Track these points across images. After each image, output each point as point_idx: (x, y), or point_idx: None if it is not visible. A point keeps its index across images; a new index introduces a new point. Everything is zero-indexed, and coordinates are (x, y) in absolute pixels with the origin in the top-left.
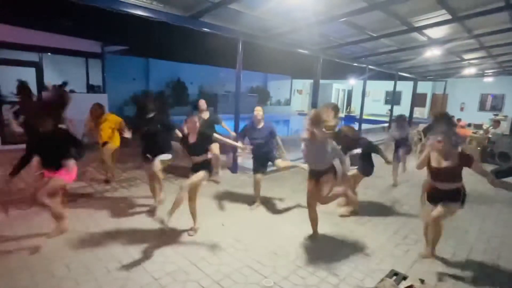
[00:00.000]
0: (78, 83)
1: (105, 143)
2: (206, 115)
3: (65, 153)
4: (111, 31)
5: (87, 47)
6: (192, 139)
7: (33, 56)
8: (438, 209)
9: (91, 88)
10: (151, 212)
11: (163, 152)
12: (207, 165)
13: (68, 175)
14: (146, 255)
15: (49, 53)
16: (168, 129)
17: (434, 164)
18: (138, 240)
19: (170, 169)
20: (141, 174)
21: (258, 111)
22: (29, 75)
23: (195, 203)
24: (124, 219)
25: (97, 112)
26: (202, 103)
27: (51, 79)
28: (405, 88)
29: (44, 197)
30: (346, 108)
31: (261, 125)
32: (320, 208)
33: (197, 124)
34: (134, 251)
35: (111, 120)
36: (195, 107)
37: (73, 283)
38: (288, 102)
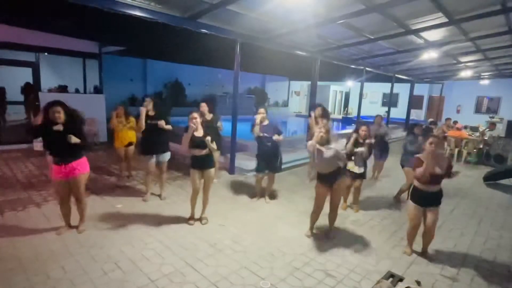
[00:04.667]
0: (75, 83)
1: (130, 144)
2: (209, 117)
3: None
4: (109, 31)
5: (84, 47)
6: (199, 133)
7: (30, 56)
8: (432, 215)
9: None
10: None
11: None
12: (212, 159)
13: (85, 166)
14: (143, 256)
15: (46, 53)
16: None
17: (430, 170)
18: (135, 241)
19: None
20: (136, 173)
21: (262, 112)
22: (26, 75)
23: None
24: (121, 220)
25: (122, 114)
26: (203, 106)
27: (48, 79)
28: (402, 90)
29: (83, 195)
30: (344, 110)
31: (265, 122)
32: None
33: (198, 119)
34: (131, 252)
35: (133, 122)
36: None
37: (69, 285)
38: (286, 104)
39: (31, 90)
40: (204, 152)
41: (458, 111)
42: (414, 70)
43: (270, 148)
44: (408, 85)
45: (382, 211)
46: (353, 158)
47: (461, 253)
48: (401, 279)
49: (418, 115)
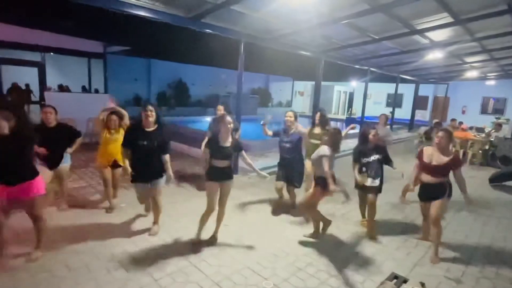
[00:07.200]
0: (81, 83)
1: (116, 164)
2: None
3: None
4: (114, 31)
5: (89, 47)
6: (224, 142)
7: (36, 56)
8: (433, 208)
9: (84, 89)
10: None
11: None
12: (231, 171)
13: (40, 186)
14: (146, 255)
15: (51, 53)
16: None
17: (425, 160)
18: (138, 240)
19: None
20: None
21: (289, 116)
22: (32, 75)
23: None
24: (124, 220)
25: (115, 124)
26: (220, 108)
27: (54, 78)
28: (407, 91)
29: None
30: (348, 110)
31: (292, 130)
32: (320, 211)
33: (231, 126)
34: (134, 252)
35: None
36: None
37: (73, 283)
38: (289, 104)
39: (17, 91)
40: (226, 163)
41: (463, 112)
42: (419, 70)
43: (289, 161)
44: (413, 85)
45: (385, 212)
46: (364, 169)
47: (466, 255)
48: (405, 281)
49: (423, 115)
